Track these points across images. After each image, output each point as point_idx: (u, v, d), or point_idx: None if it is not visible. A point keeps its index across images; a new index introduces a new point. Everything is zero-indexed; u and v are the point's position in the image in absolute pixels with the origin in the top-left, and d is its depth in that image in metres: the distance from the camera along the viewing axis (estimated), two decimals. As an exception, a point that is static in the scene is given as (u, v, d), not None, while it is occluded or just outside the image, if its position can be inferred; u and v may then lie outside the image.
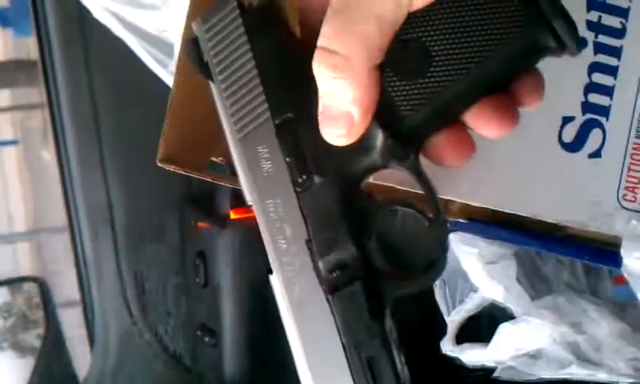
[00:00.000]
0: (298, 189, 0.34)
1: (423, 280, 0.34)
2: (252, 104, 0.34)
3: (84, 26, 0.95)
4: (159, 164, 0.52)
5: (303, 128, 0.34)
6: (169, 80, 0.86)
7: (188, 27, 0.54)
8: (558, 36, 0.31)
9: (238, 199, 0.86)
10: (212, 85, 0.35)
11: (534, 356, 0.49)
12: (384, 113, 0.33)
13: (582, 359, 0.47)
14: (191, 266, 0.92)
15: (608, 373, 0.47)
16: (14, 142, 3.94)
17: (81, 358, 1.18)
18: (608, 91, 0.43)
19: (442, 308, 0.58)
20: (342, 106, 0.32)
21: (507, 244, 0.51)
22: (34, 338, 1.38)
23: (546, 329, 0.48)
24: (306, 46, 0.33)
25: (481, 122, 0.33)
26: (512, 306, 0.52)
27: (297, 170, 0.34)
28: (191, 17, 0.54)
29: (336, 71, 0.31)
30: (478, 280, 0.54)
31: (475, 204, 0.43)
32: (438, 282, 0.56)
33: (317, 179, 0.34)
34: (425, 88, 0.33)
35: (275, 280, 0.35)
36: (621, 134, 0.43)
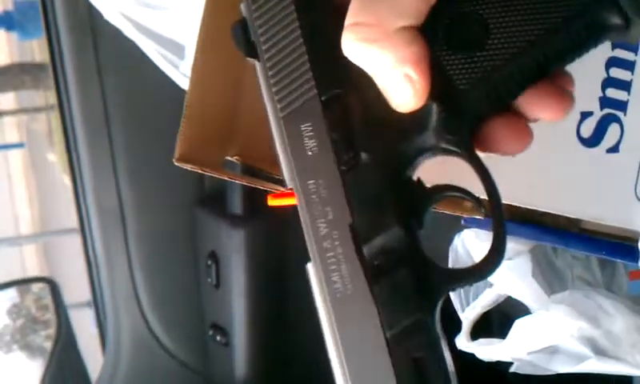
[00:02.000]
0: (343, 167, 0.32)
1: (481, 271, 0.31)
2: (298, 81, 0.33)
3: (95, 28, 0.96)
4: (176, 163, 0.52)
5: (352, 103, 0.32)
6: (180, 81, 0.86)
7: (203, 35, 0.54)
8: (624, 12, 0.29)
9: (250, 200, 0.86)
10: (257, 65, 0.34)
11: (551, 351, 0.49)
12: (439, 88, 0.31)
13: (600, 354, 0.47)
14: (203, 267, 0.92)
15: (625, 367, 0.47)
16: (19, 145, 3.95)
17: (92, 358, 1.18)
18: (626, 86, 0.43)
19: (456, 304, 0.59)
20: (391, 72, 0.31)
21: (523, 240, 0.51)
22: (43, 339, 1.38)
23: (563, 324, 0.49)
24: None
25: (537, 104, 0.31)
26: (528, 302, 0.52)
27: (343, 146, 0.32)
28: (207, 22, 0.54)
29: (364, 43, 0.30)
30: (493, 276, 0.54)
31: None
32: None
33: (364, 156, 0.32)
34: (482, 62, 0.31)
35: (313, 269, 0.32)
36: (639, 129, 0.43)
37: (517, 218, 0.49)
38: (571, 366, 0.49)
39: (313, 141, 0.32)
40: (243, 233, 0.86)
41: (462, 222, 0.53)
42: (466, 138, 0.31)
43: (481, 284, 0.58)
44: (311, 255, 0.32)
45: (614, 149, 0.43)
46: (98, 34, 0.96)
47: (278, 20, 0.33)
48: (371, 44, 0.30)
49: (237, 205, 0.87)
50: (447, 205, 0.49)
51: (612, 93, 0.43)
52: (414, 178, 0.32)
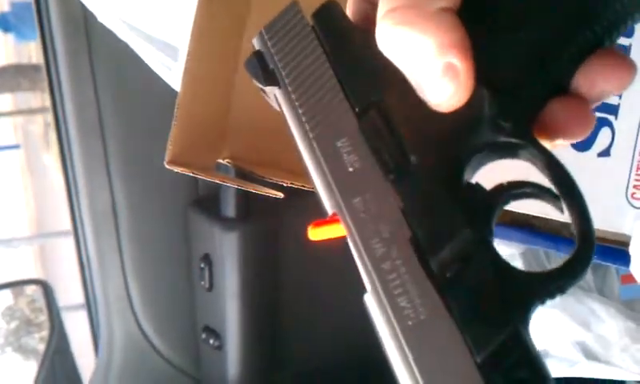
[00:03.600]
0: (392, 176, 0.28)
1: (575, 273, 0.26)
2: (326, 99, 0.30)
3: (88, 29, 0.96)
4: (167, 166, 0.52)
5: (392, 109, 0.29)
6: (173, 83, 0.86)
7: (195, 37, 0.54)
8: None
9: (244, 202, 0.86)
10: (277, 93, 0.32)
11: (543, 355, 0.49)
12: (485, 73, 0.28)
13: (591, 358, 0.47)
14: (196, 269, 0.92)
15: (616, 371, 0.47)
16: (15, 147, 3.95)
17: (85, 361, 1.18)
18: (616, 90, 0.43)
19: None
20: (432, 61, 0.27)
21: (515, 244, 0.51)
22: (37, 341, 1.38)
23: (555, 328, 0.48)
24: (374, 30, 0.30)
25: (598, 76, 0.29)
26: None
27: (387, 154, 0.28)
28: (199, 25, 0.54)
29: (402, 27, 0.27)
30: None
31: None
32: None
33: (414, 159, 0.28)
34: (528, 38, 0.28)
35: (372, 298, 0.27)
36: (630, 133, 0.43)
37: (508, 221, 0.49)
38: (563, 370, 0.48)
39: (352, 155, 0.29)
40: (236, 236, 0.86)
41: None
42: (525, 124, 0.28)
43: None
44: (368, 283, 0.28)
45: (605, 153, 0.43)
46: (91, 36, 0.96)
47: (296, 43, 0.32)
48: (410, 27, 0.27)
49: (230, 208, 0.87)
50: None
51: (603, 97, 0.43)
52: (473, 181, 0.29)
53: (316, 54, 0.31)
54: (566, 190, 0.28)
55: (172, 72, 0.87)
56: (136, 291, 0.98)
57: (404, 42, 0.28)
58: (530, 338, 0.25)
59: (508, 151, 0.28)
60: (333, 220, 0.29)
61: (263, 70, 0.32)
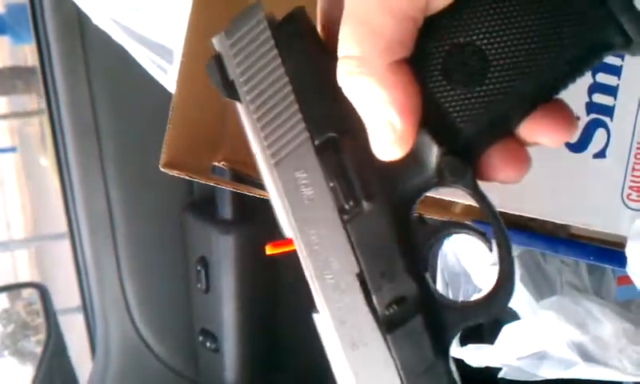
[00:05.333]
0: (345, 216, 0.30)
1: (492, 308, 0.30)
2: (287, 125, 0.31)
3: (83, 32, 0.96)
4: (162, 169, 0.52)
5: (348, 147, 0.30)
6: (169, 86, 0.86)
7: (189, 39, 0.54)
8: (625, 33, 0.28)
9: (240, 205, 0.86)
10: (239, 106, 0.32)
11: (540, 357, 0.49)
12: (437, 124, 0.29)
13: (588, 359, 0.47)
14: (193, 272, 0.92)
15: (614, 372, 0.47)
16: (11, 149, 3.94)
17: (82, 364, 1.17)
18: (612, 91, 0.43)
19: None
20: (377, 111, 0.29)
21: (511, 245, 0.51)
22: (34, 344, 1.38)
23: (551, 329, 0.48)
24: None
25: (538, 130, 0.30)
26: (517, 307, 0.52)
27: (343, 195, 0.30)
28: (193, 28, 0.54)
29: (355, 76, 0.29)
30: (481, 281, 0.54)
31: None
32: (440, 284, 0.56)
33: (366, 205, 0.30)
34: (483, 96, 0.29)
35: (322, 319, 0.31)
36: (625, 134, 0.43)
37: (505, 223, 0.49)
38: (559, 372, 0.48)
39: (309, 189, 0.31)
40: (233, 238, 0.86)
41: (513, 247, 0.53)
42: (470, 177, 0.30)
43: (469, 289, 0.57)
44: (319, 306, 0.31)
45: (600, 154, 0.43)
46: (86, 38, 0.96)
47: (258, 57, 0.31)
48: (360, 79, 0.29)
49: (226, 210, 0.86)
50: (434, 209, 0.48)
51: (598, 98, 0.43)
52: (415, 213, 0.31)
53: (279, 74, 0.31)
54: (501, 241, 0.31)
55: (167, 74, 0.86)
56: (132, 294, 0.98)
57: (355, 89, 0.29)
58: (449, 363, 0.30)
59: (447, 186, 0.31)
60: (289, 242, 0.31)
61: (223, 78, 0.31)
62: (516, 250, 0.53)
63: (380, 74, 0.28)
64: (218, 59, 0.31)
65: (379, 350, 0.30)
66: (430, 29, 0.29)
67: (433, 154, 0.30)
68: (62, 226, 1.11)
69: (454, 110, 0.30)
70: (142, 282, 0.97)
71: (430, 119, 0.29)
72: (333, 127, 0.31)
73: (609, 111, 0.43)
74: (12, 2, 3.13)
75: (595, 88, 0.43)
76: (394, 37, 0.28)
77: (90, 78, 0.98)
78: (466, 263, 0.55)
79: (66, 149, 1.02)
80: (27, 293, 1.31)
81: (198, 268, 0.90)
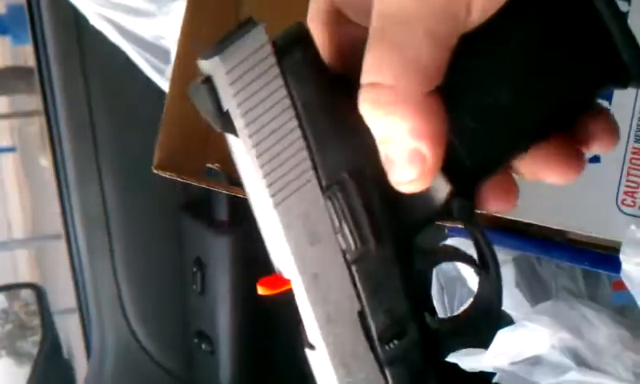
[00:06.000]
0: (350, 258, 0.29)
1: (483, 335, 0.32)
2: (291, 162, 0.28)
3: (80, 32, 0.95)
4: (155, 171, 0.52)
5: (359, 186, 0.29)
6: (165, 87, 0.85)
7: (183, 40, 0.54)
8: (626, 68, 0.28)
9: (235, 206, 0.85)
10: (232, 139, 0.29)
11: (534, 362, 0.48)
12: (447, 161, 0.28)
13: (582, 365, 0.47)
14: (188, 273, 0.91)
15: (608, 378, 0.46)
16: (11, 149, 3.94)
17: (79, 364, 1.17)
18: (607, 96, 0.42)
19: (440, 313, 0.58)
20: (404, 143, 0.27)
21: (506, 249, 0.51)
22: (31, 345, 1.38)
23: (546, 334, 0.48)
24: (352, 84, 0.27)
25: (541, 167, 0.29)
26: (511, 312, 0.51)
27: (351, 237, 0.29)
28: (186, 29, 0.54)
29: (384, 106, 0.26)
30: (475, 285, 0.54)
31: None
32: (436, 289, 0.56)
33: (372, 246, 0.29)
34: (491, 132, 0.28)
35: (318, 356, 0.30)
36: (621, 141, 0.43)
37: (500, 227, 0.49)
38: (554, 378, 0.48)
39: (313, 231, 0.29)
40: (228, 239, 0.86)
41: (446, 231, 0.52)
42: (473, 217, 0.30)
43: (464, 292, 0.57)
44: (315, 343, 0.30)
45: (595, 159, 0.43)
46: (83, 39, 0.96)
47: (260, 86, 0.27)
48: (390, 109, 0.26)
49: (222, 211, 0.86)
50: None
51: (593, 102, 0.42)
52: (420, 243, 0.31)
53: (284, 106, 0.28)
54: (495, 270, 0.31)
55: (164, 75, 0.86)
56: (128, 295, 0.98)
57: (385, 120, 0.27)
58: None
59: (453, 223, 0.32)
60: (282, 281, 0.30)
61: (216, 108, 0.27)
62: (511, 254, 0.53)
63: (416, 104, 0.26)
64: (209, 85, 0.27)
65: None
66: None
67: (443, 189, 0.29)
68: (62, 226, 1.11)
69: (464, 144, 0.28)
70: (138, 284, 0.97)
71: (447, 158, 0.28)
72: (343, 167, 0.29)
73: (604, 115, 0.42)
74: (12, 3, 3.13)
75: (590, 92, 0.42)
76: (434, 64, 0.26)
77: (86, 78, 0.98)
78: (462, 267, 0.55)
79: (62, 149, 1.02)
80: (25, 293, 1.31)
81: (194, 269, 0.90)
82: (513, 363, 0.50)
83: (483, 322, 0.31)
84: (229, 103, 0.27)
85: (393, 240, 0.29)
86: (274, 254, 0.30)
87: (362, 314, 0.30)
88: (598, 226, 0.43)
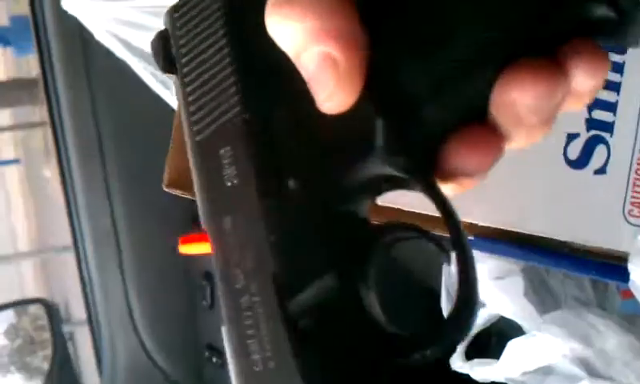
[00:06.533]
0: (267, 200, 0.24)
1: (445, 338, 0.22)
2: (219, 97, 0.26)
3: (86, 44, 0.96)
4: (166, 189, 0.52)
5: (284, 120, 0.25)
6: (171, 101, 0.86)
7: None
8: (616, 3, 0.23)
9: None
10: (175, 82, 0.28)
11: (545, 372, 0.49)
12: (384, 95, 0.24)
13: (593, 374, 0.47)
14: (198, 287, 0.92)
15: (619, 387, 0.47)
16: (15, 161, 3.95)
17: (94, 378, 1.18)
18: (612, 107, 0.43)
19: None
20: (310, 48, 0.23)
21: (514, 260, 0.51)
22: (41, 360, 1.38)
23: (556, 344, 0.48)
24: None
25: (514, 92, 0.23)
26: (521, 322, 0.52)
27: (266, 172, 0.24)
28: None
29: (282, 8, 0.23)
30: (485, 296, 0.54)
31: (480, 223, 0.43)
32: (445, 302, 0.56)
33: (292, 184, 0.24)
34: (441, 62, 0.24)
35: (226, 333, 0.25)
36: (625, 150, 0.43)
37: (507, 238, 0.49)
38: (565, 387, 0.48)
39: (232, 168, 0.25)
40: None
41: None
42: (419, 160, 0.24)
43: (474, 303, 0.57)
44: (224, 316, 0.25)
45: (601, 170, 0.43)
46: (89, 52, 0.96)
47: (202, 28, 0.27)
48: (283, 8, 0.23)
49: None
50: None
51: (598, 114, 0.43)
52: (360, 214, 0.25)
53: (219, 42, 0.26)
54: (461, 246, 0.23)
55: (170, 90, 0.87)
56: (138, 309, 0.98)
57: (282, 24, 0.23)
58: None
59: (401, 185, 0.25)
60: (203, 236, 0.26)
61: (165, 54, 0.27)
62: (519, 265, 0.53)
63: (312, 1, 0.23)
64: (163, 35, 0.28)
65: (289, 376, 0.23)
66: None
67: (378, 130, 0.24)
68: (67, 238, 1.11)
69: (406, 76, 0.24)
70: (148, 298, 0.97)
71: (376, 88, 0.24)
72: (269, 101, 0.25)
73: (609, 127, 0.43)
74: (15, 14, 3.14)
75: (595, 104, 0.43)
76: None
77: (92, 92, 0.99)
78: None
79: (69, 162, 1.02)
80: (34, 308, 1.31)
81: (203, 283, 0.90)
82: (524, 373, 0.50)
83: (448, 321, 0.23)
84: (175, 47, 0.27)
85: (320, 187, 0.24)
86: (199, 203, 0.26)
87: (276, 278, 0.24)
88: (605, 238, 0.43)
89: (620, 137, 0.43)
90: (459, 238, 0.23)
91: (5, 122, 3.72)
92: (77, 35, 0.95)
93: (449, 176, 0.24)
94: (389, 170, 0.24)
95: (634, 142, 0.43)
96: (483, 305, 0.56)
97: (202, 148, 0.26)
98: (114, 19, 0.80)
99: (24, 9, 1.04)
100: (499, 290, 0.53)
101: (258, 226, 0.24)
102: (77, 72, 0.98)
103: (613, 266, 0.45)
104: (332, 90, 0.23)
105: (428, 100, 0.24)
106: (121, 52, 0.84)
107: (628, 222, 0.43)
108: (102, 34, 0.83)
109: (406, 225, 0.25)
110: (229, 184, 0.25)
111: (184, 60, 0.27)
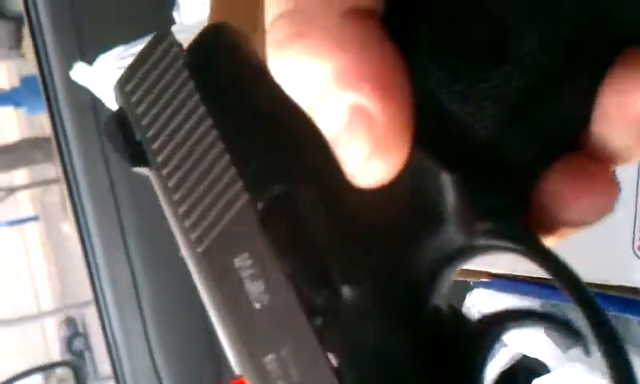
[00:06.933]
0: (318, 319, 0.17)
1: None
2: (216, 185, 0.19)
3: (95, 100, 0.98)
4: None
5: (308, 199, 0.18)
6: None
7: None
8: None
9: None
10: (150, 175, 0.21)
11: (572, 410, 0.49)
12: (441, 139, 0.17)
13: (618, 408, 0.47)
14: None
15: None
16: (34, 218, 3.99)
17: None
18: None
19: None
20: (333, 97, 0.16)
21: (532, 298, 0.51)
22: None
23: (581, 380, 0.48)
24: None
25: (630, 88, 0.17)
26: (544, 359, 0.52)
27: (309, 281, 0.17)
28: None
29: (292, 44, 0.16)
30: (506, 336, 0.54)
31: (493, 271, 0.44)
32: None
33: (348, 292, 0.17)
34: (505, 82, 0.17)
35: None
36: (632, 184, 0.43)
37: (523, 277, 0.49)
38: (593, 423, 0.48)
39: (259, 283, 0.18)
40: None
41: (471, 283, 0.53)
42: (517, 219, 0.18)
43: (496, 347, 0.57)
44: None
45: (608, 207, 0.43)
46: (99, 106, 0.98)
47: (169, 96, 0.20)
48: (293, 46, 0.16)
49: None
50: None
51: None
52: (444, 306, 0.18)
53: (198, 116, 0.19)
54: (600, 329, 0.17)
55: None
56: (162, 360, 0.99)
57: (292, 66, 0.16)
58: None
59: (495, 251, 0.18)
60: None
61: (126, 141, 0.21)
62: (537, 300, 0.54)
63: (331, 29, 0.16)
64: (119, 117, 0.21)
65: None
66: None
67: (448, 187, 0.17)
68: (89, 292, 1.13)
69: (466, 110, 0.17)
70: (171, 348, 0.98)
71: (429, 130, 0.17)
72: (281, 175, 0.18)
73: (614, 163, 0.43)
74: (25, 74, 3.20)
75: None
76: None
77: (104, 149, 1.00)
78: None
79: (85, 217, 1.03)
80: (62, 371, 1.32)
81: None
82: (550, 411, 0.50)
83: None
84: (138, 128, 0.20)
85: (387, 288, 0.18)
86: (220, 334, 0.20)
87: None
88: (616, 274, 0.43)
89: (626, 171, 0.43)
90: (598, 316, 0.17)
91: (21, 181, 3.77)
92: (87, 93, 0.98)
93: (551, 229, 0.18)
94: (471, 240, 0.18)
95: (638, 177, 0.43)
96: (505, 345, 0.56)
97: (209, 261, 0.19)
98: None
99: (34, 68, 1.07)
100: (520, 331, 0.53)
101: (316, 358, 0.17)
102: (88, 128, 1.00)
103: (630, 300, 0.45)
104: (367, 156, 0.16)
105: (504, 134, 0.17)
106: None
107: (638, 256, 0.43)
108: (111, 101, 0.85)
109: (519, 311, 0.19)
110: (257, 306, 0.18)
111: (156, 145, 0.20)
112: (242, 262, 0.19)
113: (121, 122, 0.21)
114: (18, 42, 3.08)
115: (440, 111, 0.17)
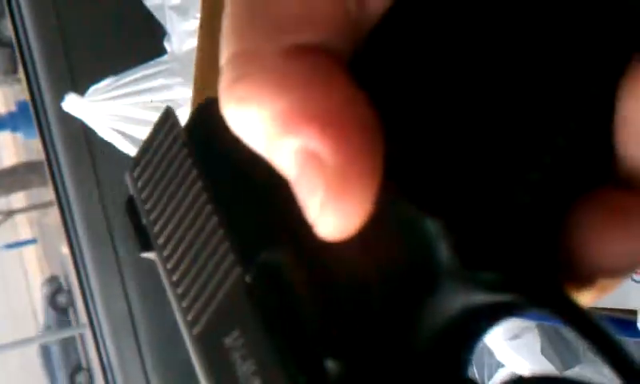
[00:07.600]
0: None
1: None
2: (209, 264, 0.19)
3: (88, 128, 0.98)
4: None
5: (292, 266, 0.17)
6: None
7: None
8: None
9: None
10: (157, 260, 0.21)
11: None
12: (429, 178, 0.15)
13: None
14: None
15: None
16: (32, 241, 3.99)
17: None
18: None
19: (472, 385, 0.58)
20: (281, 141, 0.15)
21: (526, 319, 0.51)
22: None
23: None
24: None
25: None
26: (540, 380, 0.52)
27: (296, 359, 0.16)
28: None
29: (237, 85, 0.15)
30: (503, 356, 0.54)
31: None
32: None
33: (334, 367, 0.16)
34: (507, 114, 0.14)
35: None
36: None
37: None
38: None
39: (248, 363, 0.17)
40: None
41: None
42: (524, 268, 0.14)
43: (493, 364, 0.57)
44: None
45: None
46: (90, 134, 0.98)
47: (169, 179, 0.20)
48: (236, 85, 0.15)
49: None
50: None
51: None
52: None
53: (194, 193, 0.20)
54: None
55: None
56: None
57: (242, 111, 0.15)
58: None
59: (510, 310, 0.15)
60: None
61: (135, 227, 0.21)
62: (534, 321, 0.54)
63: (273, 69, 0.15)
64: (129, 204, 0.21)
65: None
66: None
67: (441, 244, 0.14)
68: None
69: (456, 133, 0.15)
70: (168, 380, 0.97)
71: (409, 168, 0.15)
72: (265, 240, 0.18)
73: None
74: (21, 99, 3.21)
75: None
76: (293, 9, 0.15)
77: (97, 173, 1.00)
78: (487, 340, 0.55)
79: (80, 244, 1.03)
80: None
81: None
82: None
83: None
84: (143, 213, 0.21)
85: (390, 362, 0.15)
86: None
87: None
88: (613, 298, 0.43)
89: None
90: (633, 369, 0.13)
91: (19, 204, 3.77)
92: (79, 121, 0.98)
93: (584, 282, 0.15)
94: (480, 298, 0.14)
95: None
96: (502, 365, 0.56)
97: (203, 343, 0.18)
98: (114, 116, 0.82)
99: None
100: (516, 350, 0.53)
101: None
102: (80, 155, 1.00)
103: (624, 321, 0.45)
104: (320, 206, 0.15)
105: (512, 168, 0.14)
106: (123, 146, 0.85)
107: (634, 280, 0.43)
108: (104, 131, 0.85)
109: (551, 378, 0.14)
110: None
111: (157, 227, 0.20)
112: (234, 342, 0.18)
113: (129, 209, 0.21)
114: (14, 67, 3.09)
115: (425, 146, 0.15)
